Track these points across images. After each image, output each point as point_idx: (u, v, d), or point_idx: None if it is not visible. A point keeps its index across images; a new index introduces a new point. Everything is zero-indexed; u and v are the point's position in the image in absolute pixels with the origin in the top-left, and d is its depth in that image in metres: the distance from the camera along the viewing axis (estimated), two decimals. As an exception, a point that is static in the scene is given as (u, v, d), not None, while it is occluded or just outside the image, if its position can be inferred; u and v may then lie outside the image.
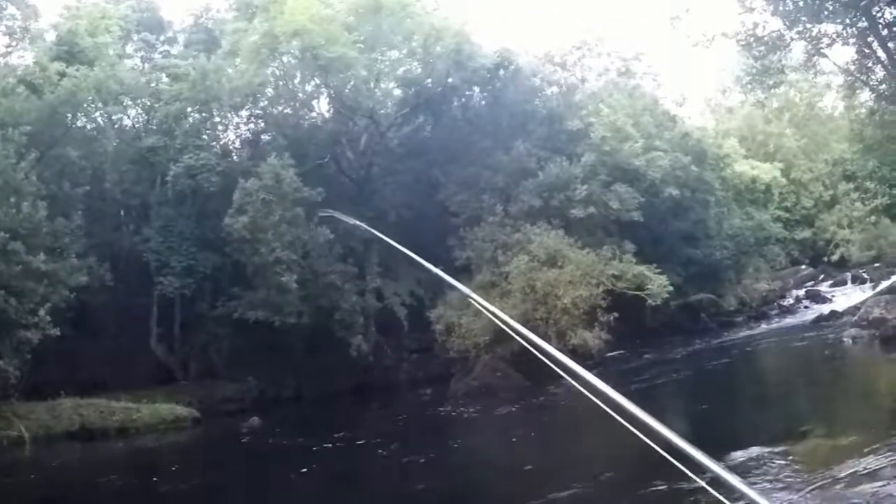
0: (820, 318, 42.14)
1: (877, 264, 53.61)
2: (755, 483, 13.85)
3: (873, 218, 37.97)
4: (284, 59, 37.03)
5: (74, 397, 28.46)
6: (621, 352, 35.44)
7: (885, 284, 45.63)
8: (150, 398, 30.23)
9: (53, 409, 27.91)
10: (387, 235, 30.71)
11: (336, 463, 21.05)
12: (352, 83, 36.98)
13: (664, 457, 3.47)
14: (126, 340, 33.37)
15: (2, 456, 25.42)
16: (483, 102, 39.75)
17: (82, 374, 29.58)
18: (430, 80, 38.14)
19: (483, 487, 17.36)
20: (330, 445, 23.34)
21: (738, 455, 15.51)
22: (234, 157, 38.75)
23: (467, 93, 39.52)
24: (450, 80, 37.68)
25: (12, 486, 21.87)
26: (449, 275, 24.09)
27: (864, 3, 23.69)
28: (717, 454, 14.65)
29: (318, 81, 38.21)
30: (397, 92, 40.08)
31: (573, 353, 30.98)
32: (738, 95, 54.75)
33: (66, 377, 28.59)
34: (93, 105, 35.76)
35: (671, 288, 35.42)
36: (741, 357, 35.32)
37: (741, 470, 14.58)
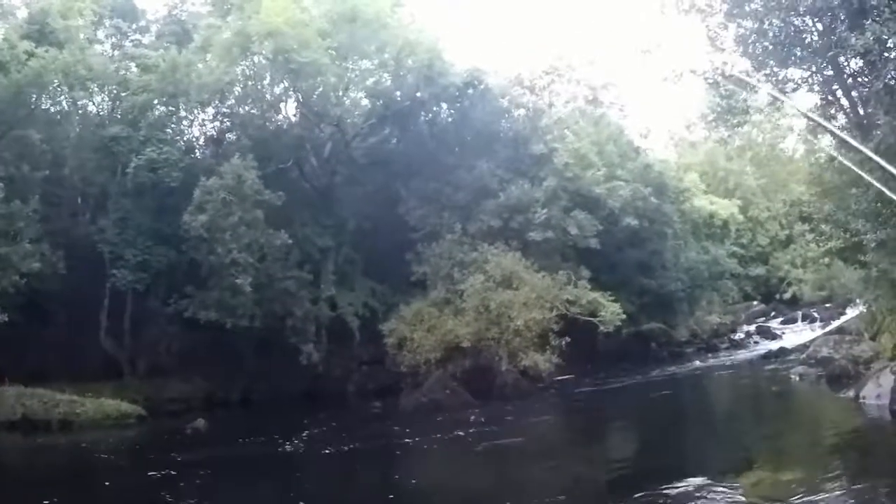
0: (769, 354, 42.78)
1: (827, 304, 54.56)
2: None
3: (826, 259, 38.40)
4: (255, 59, 36.80)
5: (18, 385, 28.09)
6: (571, 376, 35.52)
7: (834, 324, 46.43)
8: (95, 392, 29.81)
9: (-6, 396, 27.55)
10: (344, 245, 30.79)
11: (273, 474, 20.86)
12: (321, 89, 36.93)
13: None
14: (75, 331, 32.89)
15: None
16: (450, 119, 39.80)
17: (27, 363, 29.20)
18: (399, 93, 38.15)
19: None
20: (272, 455, 23.17)
21: (683, 485, 15.68)
22: (197, 154, 38.51)
23: (435, 108, 39.53)
24: (419, 94, 37.72)
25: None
26: (403, 289, 24.18)
27: (830, 52, 24.10)
28: (663, 481, 14.92)
29: (287, 85, 38.01)
30: (365, 102, 40.03)
31: (523, 374, 31.20)
32: (702, 131, 55.41)
33: (10, 364, 28.01)
34: (59, 88, 35.25)
35: (624, 316, 35.68)
36: (690, 388, 35.71)
37: (685, 499, 14.76)
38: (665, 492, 15.34)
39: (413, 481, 20.01)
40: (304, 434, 26.38)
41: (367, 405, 33.52)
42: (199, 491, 18.76)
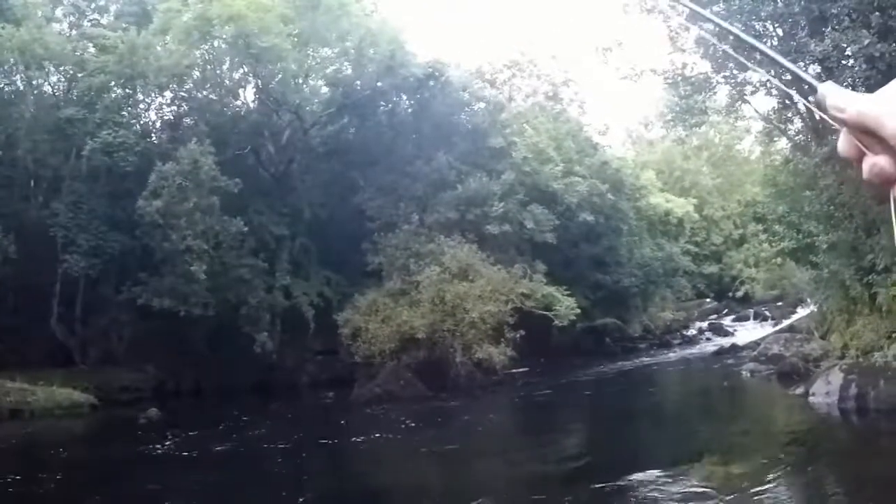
0: (721, 351, 43.25)
1: (779, 303, 55.42)
2: (653, 501, 14.21)
3: (779, 259, 39.10)
4: (215, 43, 36.62)
5: (-35, 375, 27.62)
6: (525, 369, 35.64)
7: (785, 323, 47.09)
8: (46, 380, 29.18)
9: (-59, 384, 27.02)
10: (300, 233, 30.62)
11: (226, 464, 20.77)
12: (280, 76, 36.73)
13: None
14: (25, 318, 32.27)
15: None
16: (409, 110, 39.81)
17: (-25, 349, 28.66)
18: (359, 83, 38.07)
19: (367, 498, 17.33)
20: (224, 445, 23.04)
21: (636, 476, 15.85)
22: (154, 139, 38.00)
23: (395, 99, 39.52)
24: (379, 84, 37.65)
25: None
26: (359, 279, 24.14)
27: (789, 58, 24.47)
28: (616, 474, 15.06)
29: (246, 70, 37.81)
30: (325, 90, 39.92)
31: (478, 367, 31.30)
32: (660, 130, 55.81)
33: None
34: (14, 67, 34.78)
35: (578, 310, 36.05)
36: (642, 382, 36.02)
37: (638, 490, 14.92)
38: (618, 484, 15.50)
39: (358, 477, 19.97)
40: (253, 425, 26.29)
41: (320, 396, 33.42)
42: (153, 481, 18.63)
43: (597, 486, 15.52)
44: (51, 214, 33.53)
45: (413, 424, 27.01)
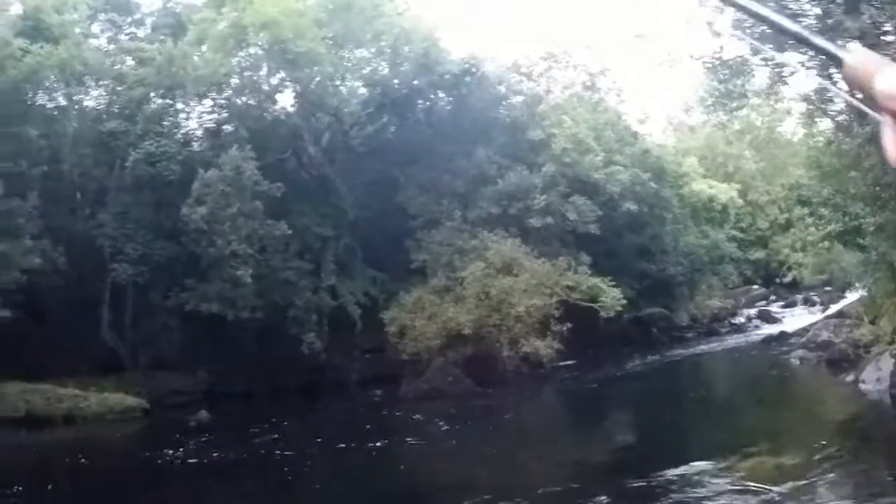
0: (769, 338, 42.69)
1: (827, 288, 54.48)
2: (697, 497, 14.10)
3: (826, 243, 38.45)
4: (251, 50, 36.79)
5: (20, 381, 28.16)
6: (572, 362, 35.56)
7: (834, 308, 46.32)
8: (98, 386, 29.93)
9: (-2, 392, 27.61)
10: (344, 234, 30.83)
11: (277, 464, 20.91)
12: (318, 79, 36.86)
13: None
14: (76, 326, 32.78)
15: None
16: (447, 107, 39.77)
17: (30, 358, 29.12)
18: (396, 82, 38.17)
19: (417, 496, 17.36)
20: (273, 446, 23.25)
21: (683, 469, 15.77)
22: (195, 147, 38.30)
23: (432, 96, 39.51)
24: (416, 82, 37.72)
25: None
26: (404, 277, 24.28)
27: (826, 36, 24.12)
28: (664, 466, 14.95)
29: (283, 75, 37.93)
30: (363, 91, 39.97)
31: (525, 361, 31.27)
32: (701, 116, 55.34)
33: (12, 361, 27.99)
34: (55, 84, 35.32)
35: (624, 301, 35.72)
36: (690, 372, 35.78)
37: (686, 482, 14.82)
38: (665, 476, 15.43)
39: (407, 474, 20.04)
40: (302, 425, 26.53)
41: (368, 394, 33.61)
42: (202, 484, 18.85)
43: (645, 478, 15.46)
44: (97, 225, 34.04)
45: (460, 420, 27.12)
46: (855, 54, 1.25)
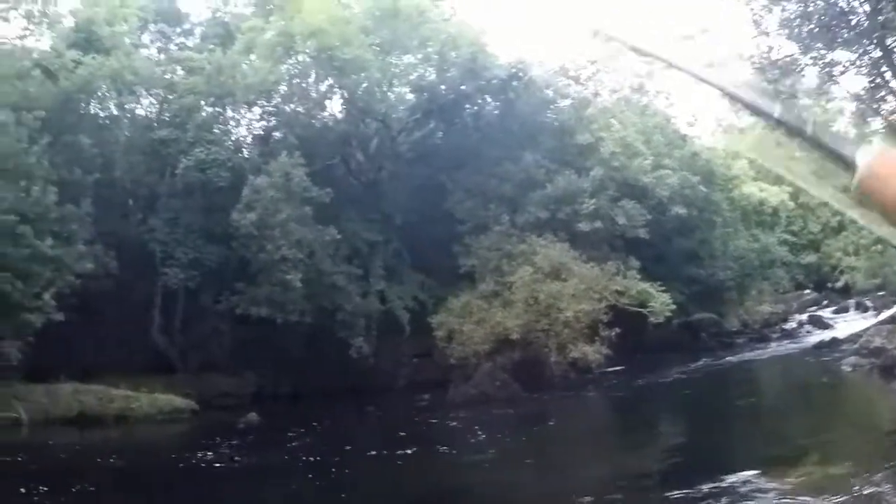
0: (821, 345, 41.97)
1: (881, 293, 53.59)
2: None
3: (879, 246, 37.87)
4: (299, 57, 37.13)
5: (74, 382, 28.67)
6: (620, 367, 35.29)
7: (887, 313, 45.51)
8: (148, 387, 30.38)
9: (52, 392, 28.18)
10: (392, 238, 30.87)
11: (323, 467, 20.98)
12: (365, 85, 37.05)
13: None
14: (127, 329, 33.36)
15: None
16: (495, 112, 39.81)
17: (82, 360, 29.62)
18: (443, 87, 38.27)
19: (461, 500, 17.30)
20: (320, 448, 23.37)
21: (730, 478, 15.54)
22: (245, 153, 38.76)
23: (479, 101, 39.58)
24: (463, 87, 37.83)
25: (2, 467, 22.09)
26: (452, 282, 24.26)
27: (877, 33, 23.75)
28: (712, 474, 14.77)
29: (331, 82, 38.20)
30: (410, 97, 40.08)
31: (573, 366, 31.12)
32: (750, 117, 54.67)
33: (66, 362, 28.64)
34: (107, 94, 35.91)
35: (673, 306, 35.34)
36: (740, 379, 35.27)
37: (734, 492, 14.63)
38: (714, 485, 15.19)
39: (454, 479, 19.98)
40: (350, 428, 26.70)
41: (416, 398, 33.59)
42: (248, 484, 19.01)
43: (691, 487, 15.23)
44: (149, 230, 34.56)
45: (508, 425, 27.11)
46: (878, 156, 1.03)
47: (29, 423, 26.93)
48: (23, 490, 18.43)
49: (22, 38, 34.19)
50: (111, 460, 22.36)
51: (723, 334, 47.56)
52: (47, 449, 24.31)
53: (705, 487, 15.10)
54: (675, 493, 15.10)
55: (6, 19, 33.22)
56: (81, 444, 25.79)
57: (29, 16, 34.12)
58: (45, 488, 18.54)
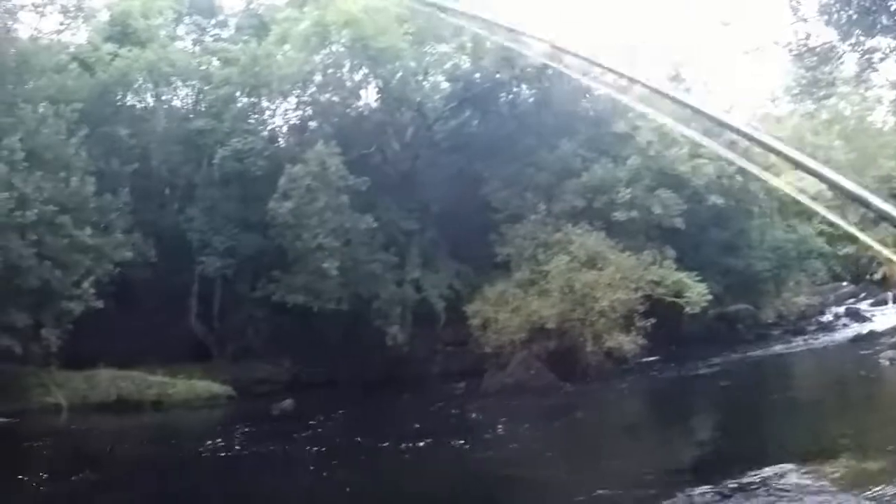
0: (858, 337, 41.36)
1: (920, 285, 52.84)
2: (780, 500, 13.74)
3: (919, 238, 37.37)
4: (334, 47, 37.17)
5: (112, 369, 29.12)
6: (656, 357, 35.15)
7: (926, 307, 44.95)
8: (186, 374, 31.06)
9: (91, 379, 28.82)
10: (428, 227, 30.96)
11: (356, 451, 21.03)
12: (400, 74, 37.07)
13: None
14: (165, 316, 33.74)
15: (38, 422, 26.25)
16: (530, 100, 39.68)
17: (120, 347, 29.91)
18: (478, 76, 38.24)
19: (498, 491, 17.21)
20: (353, 434, 23.46)
21: (767, 471, 15.35)
22: (281, 143, 39.11)
23: (515, 90, 39.51)
24: (498, 76, 37.79)
25: (45, 451, 22.47)
26: (487, 270, 24.19)
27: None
28: (747, 469, 14.61)
29: (366, 71, 38.27)
30: (445, 85, 39.91)
31: (608, 356, 31.01)
32: (788, 105, 53.96)
33: (104, 349, 29.04)
34: (144, 85, 36.45)
35: (710, 296, 34.99)
36: (776, 371, 34.84)
37: (770, 486, 14.48)
38: (749, 478, 15.04)
39: (486, 468, 19.95)
40: (384, 416, 26.75)
41: (450, 386, 33.61)
42: (280, 468, 19.12)
43: (728, 479, 15.07)
44: (186, 220, 35.00)
45: (542, 414, 27.06)
46: None
47: (68, 409, 27.46)
48: (60, 471, 18.79)
49: (58, 32, 34.91)
50: (146, 445, 22.60)
51: (759, 326, 47.03)
52: (85, 434, 24.75)
53: (740, 481, 14.95)
54: (709, 487, 14.92)
55: (42, 14, 33.81)
56: (119, 429, 26.14)
57: (65, 10, 34.74)
58: (78, 471, 18.85)
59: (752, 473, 15.24)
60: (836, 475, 14.99)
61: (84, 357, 28.82)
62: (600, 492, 15.45)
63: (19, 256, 26.54)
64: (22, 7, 32.89)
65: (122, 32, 35.02)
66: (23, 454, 22.16)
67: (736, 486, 14.77)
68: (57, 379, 28.31)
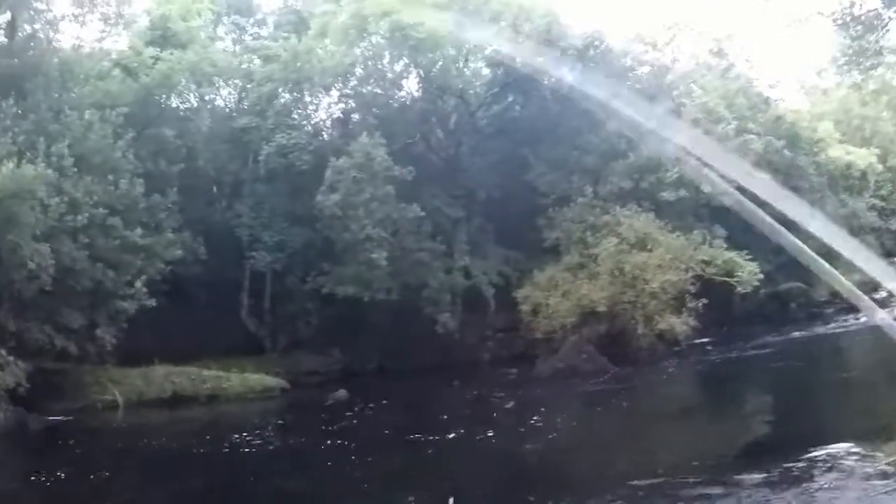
0: (914, 314, 40.51)
1: (977, 260, 51.60)
2: (838, 481, 13.46)
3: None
4: (373, 39, 37.30)
5: (167, 365, 29.60)
6: (708, 339, 34.78)
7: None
8: (239, 368, 31.46)
9: (146, 375, 29.33)
10: (475, 214, 30.70)
11: (414, 442, 20.97)
12: (441, 63, 37.09)
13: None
14: (217, 312, 34.24)
15: (96, 418, 26.81)
16: (573, 82, 39.38)
17: (174, 343, 30.36)
18: (518, 60, 37.88)
19: (549, 476, 17.06)
20: (405, 422, 23.50)
21: (825, 451, 15.08)
22: (325, 136, 39.35)
23: (556, 72, 39.13)
24: (539, 59, 37.43)
25: (103, 446, 22.84)
26: (536, 255, 23.92)
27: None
28: (804, 449, 14.33)
29: (406, 61, 38.35)
30: (486, 71, 39.84)
31: (659, 338, 30.72)
32: (834, 77, 52.87)
33: (158, 346, 29.57)
34: (187, 86, 36.94)
35: (761, 275, 34.52)
36: (830, 350, 34.10)
37: (826, 465, 14.22)
38: (806, 458, 14.76)
39: (538, 454, 19.86)
40: (436, 403, 26.83)
41: (501, 372, 33.63)
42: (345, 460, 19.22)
43: (785, 459, 14.83)
44: (235, 216, 35.46)
45: (595, 398, 26.91)
46: None
47: (124, 405, 27.99)
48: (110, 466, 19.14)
49: (100, 40, 35.42)
50: (200, 437, 22.79)
51: (812, 304, 46.18)
52: (140, 429, 25.13)
53: (798, 460, 14.69)
54: (765, 467, 14.66)
55: (83, 24, 34.41)
56: (175, 424, 26.47)
57: (105, 18, 35.35)
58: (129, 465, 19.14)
59: (811, 454, 14.98)
60: (894, 455, 14.69)
61: (139, 354, 29.27)
62: (657, 475, 15.25)
63: (72, 259, 26.99)
64: (62, 18, 33.49)
65: (162, 36, 35.45)
66: (76, 450, 22.57)
67: (792, 466, 14.51)
68: (113, 376, 28.81)
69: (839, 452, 14.99)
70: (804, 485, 13.72)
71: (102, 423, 26.32)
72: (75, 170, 28.06)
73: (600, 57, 38.00)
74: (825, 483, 13.66)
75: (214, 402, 29.06)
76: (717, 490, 13.65)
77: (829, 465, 14.40)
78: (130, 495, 17.56)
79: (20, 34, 31.72)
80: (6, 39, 31.71)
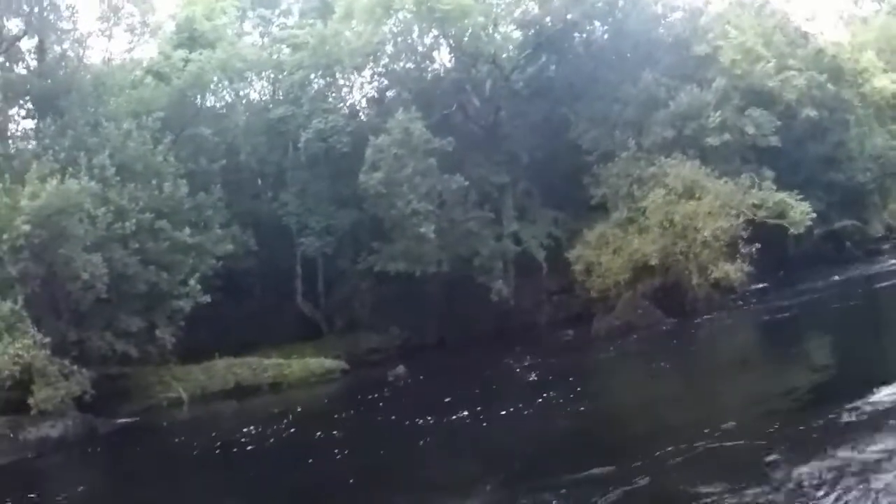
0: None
1: None
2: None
3: None
4: (400, 15, 37.13)
5: (227, 358, 30.10)
6: (764, 284, 34.27)
7: None
8: (298, 353, 31.88)
9: (208, 370, 29.86)
10: (520, 178, 30.44)
11: (477, 411, 20.84)
12: (470, 30, 36.71)
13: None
14: (272, 300, 34.78)
15: (162, 415, 27.41)
16: (605, 35, 38.96)
17: (233, 336, 30.98)
18: (548, 19, 37.59)
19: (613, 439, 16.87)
20: (474, 390, 23.44)
21: (886, 393, 14.72)
22: (362, 116, 39.45)
23: (588, 27, 38.75)
24: (569, 16, 37.11)
25: (173, 440, 23.22)
26: (584, 214, 23.58)
27: None
28: (868, 392, 14.01)
29: (436, 33, 38.12)
30: (517, 34, 39.36)
31: (715, 287, 30.31)
32: (872, 4, 51.61)
33: (218, 340, 30.06)
34: (219, 84, 37.21)
35: (814, 214, 33.87)
36: (888, 289, 33.32)
37: (886, 408, 13.90)
38: (870, 401, 14.39)
39: (621, 403, 19.72)
40: (503, 371, 26.76)
41: (559, 334, 33.52)
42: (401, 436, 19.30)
43: (848, 402, 14.46)
44: (281, 205, 35.85)
45: (655, 352, 26.73)
46: None
47: (189, 401, 28.50)
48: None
49: (129, 50, 36.03)
50: (268, 426, 22.94)
51: (868, 241, 45.27)
52: (208, 421, 25.53)
53: (862, 403, 14.33)
54: (834, 410, 14.37)
55: (110, 37, 34.98)
56: (241, 413, 26.87)
57: (131, 29, 35.89)
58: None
59: (875, 397, 14.60)
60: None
61: (200, 350, 29.78)
62: (728, 422, 15.04)
63: (124, 265, 27.47)
64: (89, 34, 34.12)
65: (189, 38, 35.65)
66: (152, 447, 23.03)
67: (859, 410, 14.18)
68: (176, 374, 29.33)
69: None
70: (864, 432, 13.34)
71: (170, 419, 26.81)
72: (118, 179, 28.47)
73: (631, 7, 37.50)
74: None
75: (277, 390, 29.40)
76: (783, 445, 13.30)
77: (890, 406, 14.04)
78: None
79: (50, 55, 32.21)
80: (37, 62, 32.15)
